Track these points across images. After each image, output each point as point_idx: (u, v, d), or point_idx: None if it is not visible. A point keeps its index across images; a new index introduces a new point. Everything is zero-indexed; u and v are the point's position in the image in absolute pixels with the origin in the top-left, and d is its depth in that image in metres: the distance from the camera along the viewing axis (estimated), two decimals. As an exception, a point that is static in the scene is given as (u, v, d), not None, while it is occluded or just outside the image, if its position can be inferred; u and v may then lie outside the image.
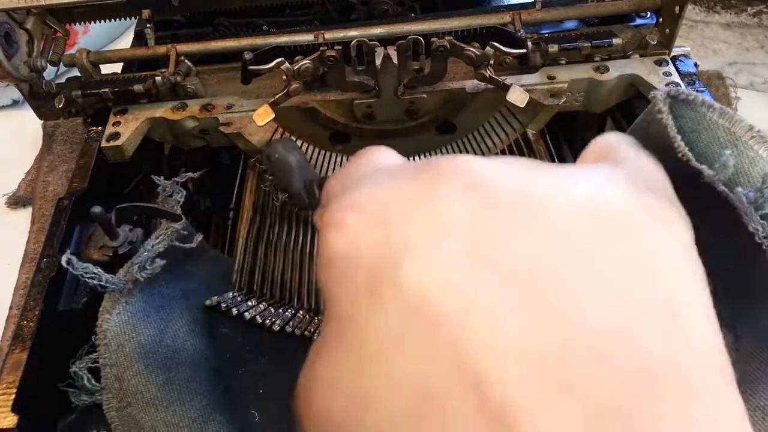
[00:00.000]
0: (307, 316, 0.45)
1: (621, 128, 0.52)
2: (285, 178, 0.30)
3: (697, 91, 0.49)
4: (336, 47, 0.47)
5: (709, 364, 0.17)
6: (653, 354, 0.16)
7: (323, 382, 0.19)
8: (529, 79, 0.50)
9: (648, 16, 0.56)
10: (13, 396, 0.35)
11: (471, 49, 0.47)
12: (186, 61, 0.54)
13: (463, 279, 0.17)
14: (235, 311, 0.44)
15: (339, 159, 0.54)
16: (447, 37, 0.46)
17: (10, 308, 0.60)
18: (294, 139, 0.53)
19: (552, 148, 0.53)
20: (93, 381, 0.37)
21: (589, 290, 0.17)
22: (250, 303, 0.45)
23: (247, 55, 0.48)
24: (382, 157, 0.25)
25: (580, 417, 0.15)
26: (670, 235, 0.19)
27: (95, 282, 0.36)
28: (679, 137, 0.26)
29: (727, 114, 0.25)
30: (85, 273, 0.37)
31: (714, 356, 0.17)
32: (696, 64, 0.52)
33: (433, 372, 0.16)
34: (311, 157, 0.53)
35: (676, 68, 0.50)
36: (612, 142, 0.24)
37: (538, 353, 0.16)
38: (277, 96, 0.48)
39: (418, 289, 0.17)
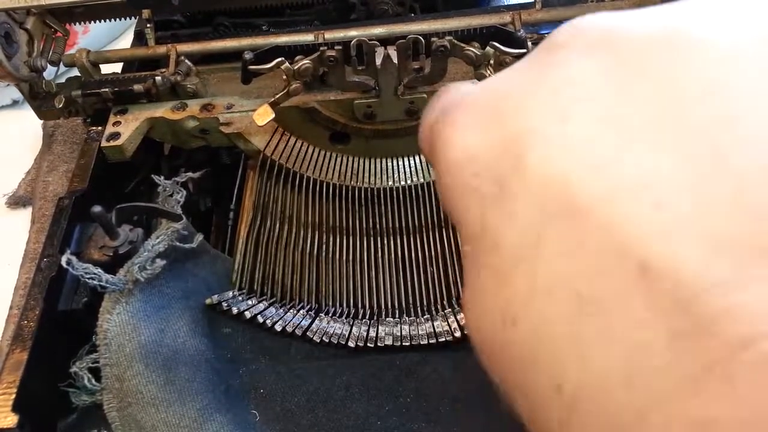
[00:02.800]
0: (308, 316, 0.45)
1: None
2: None
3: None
4: (336, 47, 0.47)
5: None
6: None
7: (470, 309, 0.17)
8: (529, 79, 0.50)
9: (648, 16, 0.56)
10: (13, 396, 0.35)
11: (471, 49, 0.47)
12: (186, 61, 0.54)
13: (601, 153, 0.14)
14: (235, 310, 0.44)
15: (339, 159, 0.54)
16: (447, 37, 0.46)
17: (10, 308, 0.60)
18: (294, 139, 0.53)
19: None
20: (93, 381, 0.37)
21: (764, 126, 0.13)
22: (250, 302, 0.45)
23: (247, 55, 0.48)
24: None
25: None
26: None
27: (95, 282, 0.36)
28: None
29: None
30: (86, 273, 0.37)
31: None
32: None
33: (583, 269, 0.13)
34: (311, 157, 0.53)
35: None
36: None
37: (713, 215, 0.12)
38: (278, 96, 0.48)
39: (547, 178, 0.15)
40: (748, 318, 0.11)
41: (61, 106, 0.54)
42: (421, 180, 0.53)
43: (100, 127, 0.51)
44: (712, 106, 0.13)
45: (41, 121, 0.67)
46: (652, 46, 0.15)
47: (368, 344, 0.43)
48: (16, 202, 0.71)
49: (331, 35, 0.53)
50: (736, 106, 0.13)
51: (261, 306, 0.45)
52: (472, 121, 0.18)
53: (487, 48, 0.47)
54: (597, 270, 0.13)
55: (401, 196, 0.52)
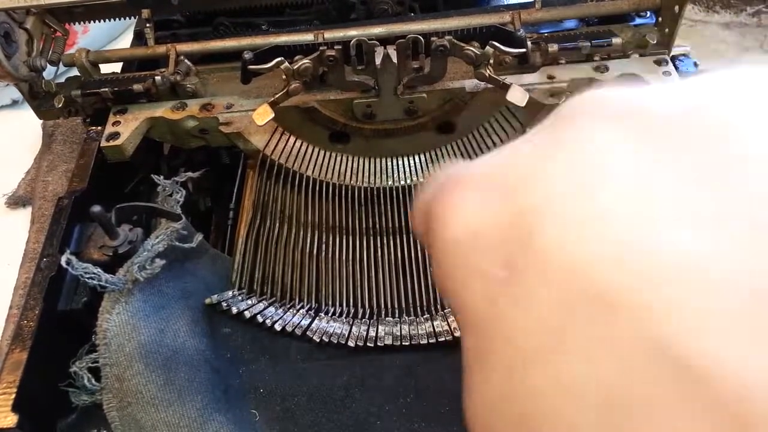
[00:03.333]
0: (309, 315, 0.45)
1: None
2: None
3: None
4: (336, 47, 0.47)
5: None
6: None
7: (477, 410, 0.15)
8: (529, 78, 0.50)
9: (647, 15, 0.56)
10: (13, 396, 0.35)
11: (471, 48, 0.47)
12: (186, 60, 0.54)
13: (633, 229, 0.12)
14: (235, 310, 0.44)
15: (339, 158, 0.54)
16: (447, 37, 0.46)
17: (10, 308, 0.60)
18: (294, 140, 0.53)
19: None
20: (93, 381, 0.37)
21: None
22: (250, 302, 0.45)
23: (247, 55, 0.48)
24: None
25: None
26: None
27: (95, 282, 0.36)
28: None
29: None
30: (85, 273, 0.37)
31: None
32: (696, 64, 0.52)
33: (614, 368, 0.12)
34: (311, 157, 0.53)
35: (676, 68, 0.50)
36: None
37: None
38: (277, 95, 0.48)
39: (566, 262, 0.12)
40: None
41: (60, 105, 0.54)
42: (421, 180, 0.53)
43: (99, 127, 0.51)
44: (757, 182, 0.12)
45: (41, 121, 0.67)
46: (681, 119, 0.13)
47: (368, 344, 0.43)
48: (16, 201, 0.71)
49: (330, 35, 0.53)
50: None
51: (261, 306, 0.45)
52: (475, 196, 0.16)
53: (487, 47, 0.47)
54: (630, 370, 0.11)
55: (401, 195, 0.52)
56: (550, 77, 0.50)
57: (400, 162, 0.54)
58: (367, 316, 0.45)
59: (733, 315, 0.11)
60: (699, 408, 0.11)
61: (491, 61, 0.47)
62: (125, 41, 0.80)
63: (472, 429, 0.15)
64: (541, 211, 0.13)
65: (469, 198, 0.16)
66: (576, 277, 0.12)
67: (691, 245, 0.11)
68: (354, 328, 0.44)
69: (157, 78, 0.52)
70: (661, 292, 0.11)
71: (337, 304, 0.46)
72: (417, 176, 0.53)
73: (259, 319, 0.44)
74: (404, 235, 0.49)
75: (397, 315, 0.45)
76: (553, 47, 0.51)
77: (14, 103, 0.81)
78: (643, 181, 0.13)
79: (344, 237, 0.50)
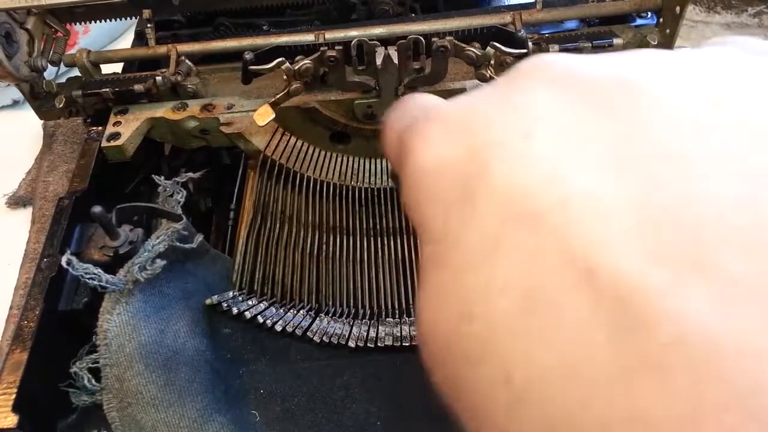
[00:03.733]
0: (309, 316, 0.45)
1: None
2: None
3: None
4: (336, 47, 0.47)
5: None
6: None
7: (425, 307, 0.18)
8: (529, 79, 0.50)
9: (648, 16, 0.56)
10: (13, 396, 0.35)
11: (472, 49, 0.47)
12: (186, 61, 0.54)
13: (557, 167, 0.16)
14: (235, 310, 0.44)
15: (339, 159, 0.54)
16: (448, 37, 0.46)
17: (10, 308, 0.60)
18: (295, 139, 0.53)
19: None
20: (93, 381, 0.37)
21: (711, 156, 0.14)
22: (250, 302, 0.45)
23: (248, 55, 0.48)
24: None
25: (717, 298, 0.13)
26: None
27: (95, 282, 0.36)
28: None
29: None
30: (86, 273, 0.37)
31: None
32: (697, 64, 0.52)
33: (536, 269, 0.15)
34: (312, 157, 0.53)
35: (677, 68, 0.50)
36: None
37: (653, 231, 0.14)
38: (278, 96, 0.48)
39: (509, 187, 0.16)
40: (681, 318, 0.13)
41: (61, 106, 0.54)
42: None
43: (100, 127, 0.51)
44: (660, 143, 0.15)
45: (42, 121, 0.67)
46: (607, 87, 0.17)
47: (368, 344, 0.43)
48: (17, 202, 0.71)
49: (331, 35, 0.53)
50: (681, 145, 0.15)
51: (261, 306, 0.45)
52: (443, 133, 0.19)
53: (488, 48, 0.47)
54: (547, 271, 0.15)
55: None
56: (551, 78, 0.50)
57: (401, 162, 0.54)
58: (367, 317, 0.45)
59: (628, 235, 0.14)
60: (600, 304, 0.13)
61: (492, 62, 0.47)
62: (126, 41, 0.80)
63: (419, 324, 0.18)
64: (493, 148, 0.17)
65: (437, 133, 0.19)
66: (514, 199, 0.16)
67: (603, 183, 0.15)
68: (354, 329, 0.44)
69: (158, 78, 0.52)
70: (576, 215, 0.15)
71: (338, 304, 0.46)
72: (418, 177, 0.53)
73: (260, 319, 0.44)
74: (405, 236, 0.49)
75: (397, 316, 0.45)
76: (554, 48, 0.51)
77: (15, 103, 0.81)
78: (569, 132, 0.16)
79: (345, 237, 0.50)
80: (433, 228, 0.18)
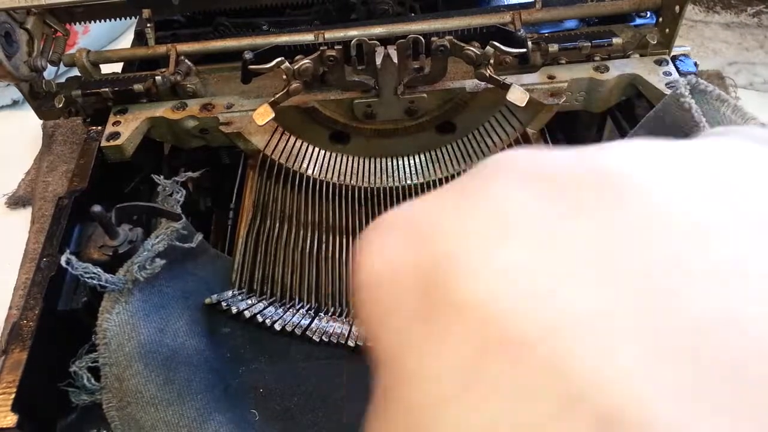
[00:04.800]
0: (308, 316, 0.45)
1: (621, 128, 0.52)
2: None
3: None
4: (336, 47, 0.47)
5: None
6: None
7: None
8: (529, 78, 0.50)
9: (648, 15, 0.56)
10: (13, 396, 0.35)
11: (471, 48, 0.47)
12: (186, 60, 0.54)
13: (538, 283, 0.13)
14: (234, 310, 0.44)
15: (339, 158, 0.54)
16: (447, 37, 0.46)
17: (10, 308, 0.60)
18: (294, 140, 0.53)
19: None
20: (93, 380, 0.37)
21: (712, 278, 0.12)
22: (250, 302, 0.45)
23: (248, 55, 0.48)
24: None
25: None
26: None
27: (95, 282, 0.36)
28: (704, 119, 0.25)
29: (739, 111, 0.26)
30: (85, 273, 0.37)
31: None
32: (696, 64, 0.52)
33: (527, 411, 0.12)
34: (312, 157, 0.53)
35: (676, 68, 0.50)
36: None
37: (665, 363, 0.12)
38: (277, 95, 0.48)
39: (481, 308, 0.13)
40: None
41: (61, 105, 0.54)
42: (421, 180, 0.53)
43: (100, 127, 0.51)
44: (657, 249, 0.13)
45: (41, 121, 0.67)
46: (588, 182, 0.14)
47: (368, 343, 0.43)
48: (16, 202, 0.71)
49: (331, 35, 0.53)
50: (677, 248, 0.13)
51: (260, 305, 0.45)
52: (396, 238, 0.16)
53: (487, 47, 0.47)
54: (539, 412, 0.12)
55: (401, 195, 0.52)
56: (551, 77, 0.50)
57: (401, 162, 0.54)
58: (367, 316, 0.45)
59: (629, 360, 0.12)
60: None
61: (491, 61, 0.47)
62: (126, 41, 0.80)
63: None
64: (454, 259, 0.14)
65: (391, 239, 0.17)
66: (489, 324, 0.13)
67: (587, 301, 0.12)
68: (354, 328, 0.44)
69: (158, 78, 0.52)
70: (568, 344, 0.12)
71: (337, 303, 0.46)
72: (417, 176, 0.53)
73: (259, 318, 0.44)
74: (404, 235, 0.49)
75: (397, 315, 0.45)
76: (554, 47, 0.51)
77: (15, 103, 0.81)
78: (544, 237, 0.14)
79: (344, 237, 0.50)
80: (387, 348, 0.16)
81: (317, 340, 0.43)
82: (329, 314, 0.45)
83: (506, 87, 0.48)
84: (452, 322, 0.14)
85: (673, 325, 0.12)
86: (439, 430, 0.13)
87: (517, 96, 0.47)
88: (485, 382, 0.13)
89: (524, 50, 0.48)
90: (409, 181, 0.52)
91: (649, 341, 0.12)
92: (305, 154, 0.53)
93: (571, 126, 0.57)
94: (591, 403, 0.11)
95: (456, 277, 0.14)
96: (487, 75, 0.47)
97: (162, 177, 0.45)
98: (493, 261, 0.14)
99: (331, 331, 0.44)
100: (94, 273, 0.37)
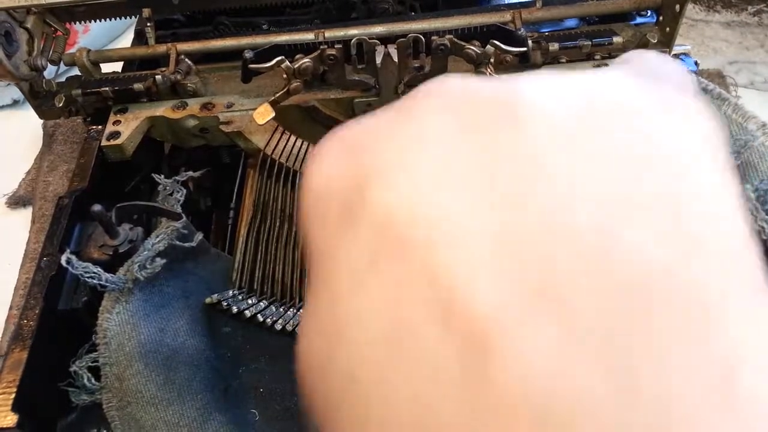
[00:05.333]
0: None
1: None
2: None
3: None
4: (336, 46, 0.47)
5: (729, 274, 0.14)
6: (652, 262, 0.13)
7: (303, 333, 0.18)
8: (529, 77, 0.50)
9: (648, 14, 0.56)
10: (13, 395, 0.35)
11: (471, 47, 0.47)
12: (186, 59, 0.54)
13: (430, 196, 0.15)
14: (235, 309, 0.44)
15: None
16: (447, 36, 0.46)
17: (10, 308, 0.60)
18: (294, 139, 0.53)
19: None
20: (93, 380, 0.37)
21: (572, 185, 0.15)
22: (250, 301, 0.45)
23: (248, 54, 0.48)
24: None
25: (563, 339, 0.13)
26: (686, 126, 0.16)
27: (95, 281, 0.36)
28: None
29: (740, 110, 0.26)
30: (85, 272, 0.37)
31: (738, 261, 0.14)
32: (696, 63, 0.52)
33: (403, 298, 0.14)
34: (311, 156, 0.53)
35: (677, 67, 0.50)
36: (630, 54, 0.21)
37: (510, 259, 0.14)
38: (278, 95, 0.48)
39: (386, 213, 0.16)
40: (525, 361, 0.13)
41: (61, 105, 0.54)
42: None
43: (100, 126, 0.51)
44: (530, 164, 0.15)
45: (41, 121, 0.67)
46: (491, 108, 0.17)
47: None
48: (16, 202, 0.71)
49: (331, 34, 0.53)
50: (545, 160, 0.15)
51: (261, 305, 0.45)
52: (335, 153, 0.19)
53: (488, 46, 0.47)
54: (411, 303, 0.14)
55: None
56: (551, 76, 0.50)
57: (401, 161, 0.53)
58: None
59: (484, 262, 0.14)
60: (452, 345, 0.13)
61: (492, 60, 0.47)
62: (126, 41, 0.80)
63: (299, 354, 0.17)
64: (374, 172, 0.17)
65: (330, 153, 0.19)
66: (386, 227, 0.15)
67: (461, 208, 0.15)
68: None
69: (158, 77, 0.52)
70: (436, 242, 0.14)
71: (338, 303, 0.46)
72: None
73: (260, 318, 0.44)
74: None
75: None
76: (554, 46, 0.51)
77: (15, 102, 0.81)
78: (448, 160, 0.16)
79: (345, 236, 0.50)
80: (315, 248, 0.18)
81: (318, 339, 0.43)
82: (330, 314, 0.45)
83: (507, 86, 0.48)
84: (362, 225, 0.16)
85: (525, 228, 0.14)
86: (341, 320, 0.15)
87: (518, 95, 0.47)
88: (376, 276, 0.15)
89: (525, 49, 0.48)
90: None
91: (503, 239, 0.14)
92: (306, 153, 0.53)
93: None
94: (445, 292, 0.14)
95: (371, 187, 0.16)
96: (488, 74, 0.47)
97: (162, 176, 0.45)
98: (402, 174, 0.16)
99: (331, 331, 0.43)
100: (94, 272, 0.37)
